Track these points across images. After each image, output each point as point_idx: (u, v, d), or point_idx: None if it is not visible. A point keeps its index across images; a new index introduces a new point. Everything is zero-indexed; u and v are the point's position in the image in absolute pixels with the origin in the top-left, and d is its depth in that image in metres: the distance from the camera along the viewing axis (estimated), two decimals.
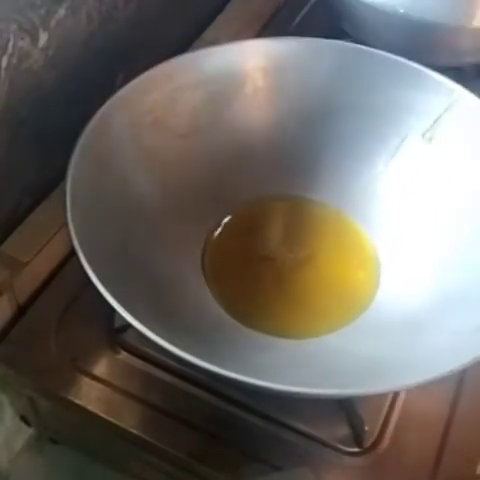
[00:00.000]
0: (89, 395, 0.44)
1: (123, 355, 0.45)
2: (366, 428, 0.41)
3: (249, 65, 0.49)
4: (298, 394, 0.34)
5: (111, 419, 0.43)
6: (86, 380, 0.44)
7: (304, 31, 0.61)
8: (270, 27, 0.65)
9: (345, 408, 0.42)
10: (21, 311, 0.47)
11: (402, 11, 0.53)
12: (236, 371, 0.33)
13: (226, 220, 0.49)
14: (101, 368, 0.45)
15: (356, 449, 0.42)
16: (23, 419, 0.52)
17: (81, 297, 0.47)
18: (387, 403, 0.43)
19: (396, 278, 0.46)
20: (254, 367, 0.36)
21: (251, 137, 0.50)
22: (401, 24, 0.54)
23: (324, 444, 0.42)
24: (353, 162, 0.49)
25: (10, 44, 0.42)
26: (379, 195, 0.49)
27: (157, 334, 0.34)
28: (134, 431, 0.42)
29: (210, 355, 0.34)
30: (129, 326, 0.35)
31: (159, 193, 0.46)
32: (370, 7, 0.54)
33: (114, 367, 0.45)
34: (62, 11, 0.45)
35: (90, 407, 0.43)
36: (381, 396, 0.43)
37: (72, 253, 0.37)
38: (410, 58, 0.47)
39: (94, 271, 0.36)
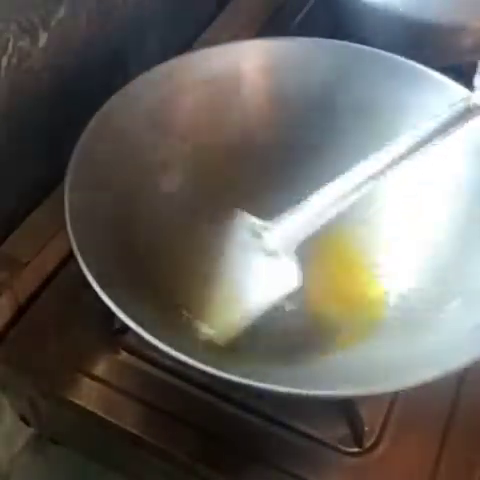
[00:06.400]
0: (89, 395, 0.44)
1: (123, 355, 0.45)
2: (366, 428, 0.41)
3: (249, 65, 0.49)
4: (298, 395, 0.34)
5: (111, 419, 0.43)
6: (86, 380, 0.44)
7: (304, 31, 0.61)
8: (270, 27, 0.65)
9: (345, 408, 0.42)
10: (21, 311, 0.47)
11: (402, 11, 0.53)
12: (235, 373, 0.33)
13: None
14: (101, 368, 0.45)
15: (356, 449, 0.42)
16: (23, 419, 0.52)
17: (81, 297, 0.47)
18: (387, 403, 0.43)
19: (396, 278, 0.46)
20: (254, 369, 0.36)
21: (250, 137, 0.50)
22: (401, 24, 0.54)
23: (324, 444, 0.42)
24: (352, 162, 0.49)
25: (10, 44, 0.42)
26: (379, 194, 0.49)
27: (156, 337, 0.34)
28: (134, 431, 0.42)
29: (209, 357, 0.34)
30: (129, 327, 0.35)
31: (159, 193, 0.46)
32: (370, 7, 0.54)
33: (114, 367, 0.45)
34: (62, 11, 0.45)
35: (90, 407, 0.43)
36: (381, 396, 0.43)
37: (72, 253, 0.37)
38: (410, 58, 0.47)
39: (92, 273, 0.35)
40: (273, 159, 0.50)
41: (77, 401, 0.44)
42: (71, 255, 0.46)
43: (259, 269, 0.44)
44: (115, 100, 0.44)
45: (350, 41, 0.49)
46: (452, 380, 0.43)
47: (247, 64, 0.48)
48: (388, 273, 0.46)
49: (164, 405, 0.43)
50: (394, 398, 0.43)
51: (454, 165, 0.46)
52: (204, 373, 0.33)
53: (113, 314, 0.35)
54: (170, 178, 0.47)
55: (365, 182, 0.41)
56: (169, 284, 0.44)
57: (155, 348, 0.34)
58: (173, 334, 0.36)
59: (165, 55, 0.47)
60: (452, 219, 0.45)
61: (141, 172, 0.46)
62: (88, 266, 0.36)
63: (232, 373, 0.33)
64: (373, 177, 0.41)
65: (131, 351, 0.45)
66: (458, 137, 0.42)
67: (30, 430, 0.54)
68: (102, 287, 0.35)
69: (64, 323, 0.46)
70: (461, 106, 0.41)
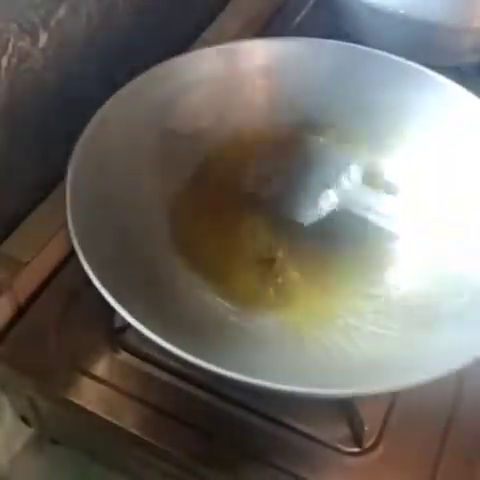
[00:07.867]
0: (89, 395, 0.44)
1: (123, 355, 0.45)
2: (366, 428, 0.41)
3: (249, 65, 0.49)
4: (298, 394, 0.34)
5: (111, 419, 0.43)
6: (86, 380, 0.44)
7: (304, 31, 0.61)
8: (270, 27, 0.65)
9: (345, 408, 0.42)
10: (21, 311, 0.47)
11: (402, 11, 0.53)
12: (236, 371, 0.33)
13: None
14: (101, 368, 0.45)
15: (356, 449, 0.42)
16: (23, 419, 0.52)
17: (81, 297, 0.47)
18: (387, 403, 0.43)
19: (396, 278, 0.46)
20: (254, 366, 0.36)
21: (251, 137, 0.50)
22: (401, 24, 0.54)
23: (324, 444, 0.42)
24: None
25: (10, 44, 0.42)
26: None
27: (156, 334, 0.34)
28: (134, 431, 0.42)
29: (210, 354, 0.34)
30: (129, 326, 0.35)
31: (159, 193, 0.46)
32: (370, 7, 0.54)
33: (114, 367, 0.45)
34: (62, 11, 0.45)
35: (90, 407, 0.43)
36: (381, 396, 0.43)
37: (72, 253, 0.37)
38: (410, 58, 0.47)
39: (94, 271, 0.36)
40: (272, 158, 0.50)
41: (77, 401, 0.43)
42: (71, 255, 0.47)
43: None
44: (115, 100, 0.44)
45: (350, 41, 0.49)
46: (452, 380, 0.43)
47: (247, 64, 0.48)
48: (389, 273, 0.46)
49: (164, 405, 0.43)
50: (394, 398, 0.43)
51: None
52: (204, 371, 0.33)
53: (113, 313, 0.35)
54: (170, 177, 0.47)
55: None
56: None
57: (155, 345, 0.34)
58: (174, 332, 0.36)
59: (165, 55, 0.47)
60: (453, 218, 0.45)
61: (141, 171, 0.46)
62: (89, 263, 0.36)
63: (232, 370, 0.33)
64: None
65: (131, 351, 0.45)
66: None
67: (30, 430, 0.54)
68: (103, 284, 0.35)
69: (64, 323, 0.46)
70: None
